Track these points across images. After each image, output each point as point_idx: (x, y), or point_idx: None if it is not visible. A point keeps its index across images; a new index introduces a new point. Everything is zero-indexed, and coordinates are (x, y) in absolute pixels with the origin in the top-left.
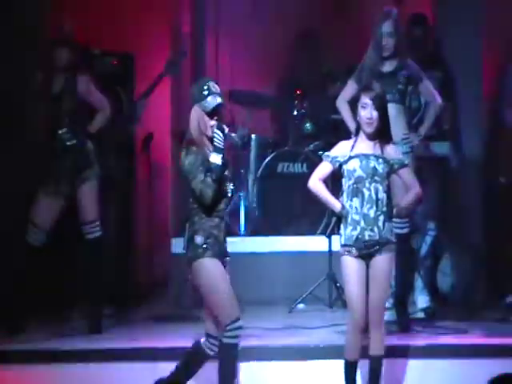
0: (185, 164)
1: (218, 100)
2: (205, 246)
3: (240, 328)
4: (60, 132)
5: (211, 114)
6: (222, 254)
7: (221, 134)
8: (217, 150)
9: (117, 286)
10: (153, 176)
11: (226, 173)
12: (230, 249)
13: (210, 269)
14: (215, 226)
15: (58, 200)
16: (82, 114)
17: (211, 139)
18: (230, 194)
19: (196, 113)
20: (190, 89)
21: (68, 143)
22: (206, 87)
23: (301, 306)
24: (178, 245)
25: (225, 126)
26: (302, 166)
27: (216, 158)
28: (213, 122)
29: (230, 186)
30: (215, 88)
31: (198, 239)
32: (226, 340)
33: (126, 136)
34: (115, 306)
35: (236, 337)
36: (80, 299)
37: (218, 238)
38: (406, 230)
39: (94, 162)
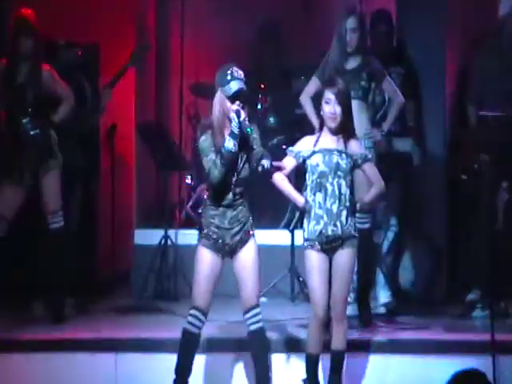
0: (199, 142)
1: (240, 85)
2: (202, 234)
3: (194, 316)
4: (23, 121)
5: (232, 98)
6: (220, 244)
7: (236, 120)
8: (231, 134)
9: (79, 276)
10: (116, 166)
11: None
12: (191, 241)
13: (197, 256)
14: (217, 216)
15: (22, 190)
16: (45, 104)
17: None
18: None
19: (218, 97)
20: (216, 75)
21: (31, 133)
22: (229, 72)
23: (263, 299)
24: (141, 236)
25: (242, 112)
26: None
27: (229, 143)
28: (234, 107)
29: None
30: (238, 73)
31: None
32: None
33: (89, 126)
34: (77, 297)
35: (189, 323)
36: (42, 289)
37: (219, 227)
38: (367, 226)
39: (57, 152)
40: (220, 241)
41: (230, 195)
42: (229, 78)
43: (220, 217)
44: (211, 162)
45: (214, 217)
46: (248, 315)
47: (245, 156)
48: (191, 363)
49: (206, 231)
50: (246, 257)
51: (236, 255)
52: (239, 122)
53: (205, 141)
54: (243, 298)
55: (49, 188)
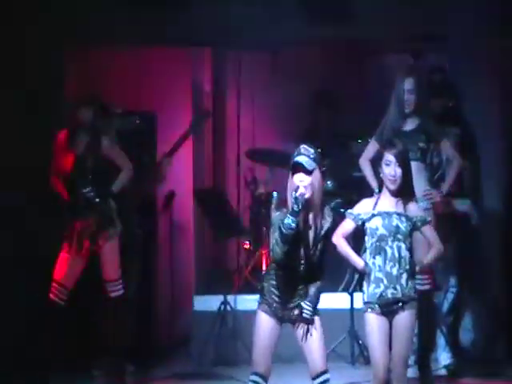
0: (271, 217)
1: (301, 159)
2: (263, 299)
3: (254, 382)
4: (84, 191)
5: (293, 172)
6: (280, 312)
7: (293, 195)
8: (291, 211)
9: (138, 343)
10: (174, 234)
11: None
12: (250, 306)
13: (257, 320)
14: (278, 288)
15: (81, 259)
16: (104, 173)
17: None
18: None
19: (289, 176)
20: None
21: (92, 202)
22: (297, 149)
23: None
24: (200, 302)
25: (301, 188)
26: None
27: (288, 220)
28: (296, 182)
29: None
30: (306, 150)
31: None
32: None
33: (147, 194)
34: (137, 364)
35: None
36: (102, 357)
37: (279, 297)
38: (427, 287)
39: (116, 220)
40: (280, 310)
41: (294, 275)
42: (295, 154)
43: (280, 290)
44: (275, 240)
45: (276, 287)
46: (318, 381)
47: (319, 243)
48: None
49: (266, 297)
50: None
51: (297, 323)
52: (295, 198)
53: (276, 217)
54: (310, 363)
55: (108, 257)
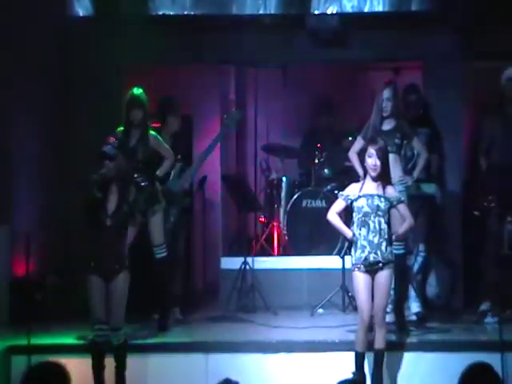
0: None
1: (103, 149)
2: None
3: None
4: (135, 176)
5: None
6: (97, 267)
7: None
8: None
9: (182, 293)
10: (206, 209)
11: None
12: (265, 266)
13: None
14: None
15: (135, 228)
16: (151, 162)
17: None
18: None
19: None
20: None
21: (142, 184)
22: (107, 141)
23: (320, 310)
24: (226, 262)
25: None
26: (321, 202)
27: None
28: None
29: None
30: (111, 140)
31: None
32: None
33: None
34: (181, 308)
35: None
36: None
37: (97, 251)
38: (401, 251)
39: (161, 198)
40: (95, 266)
41: (108, 222)
42: (105, 144)
43: (99, 242)
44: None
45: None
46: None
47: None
48: None
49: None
50: None
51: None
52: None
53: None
54: None
55: (155, 226)
